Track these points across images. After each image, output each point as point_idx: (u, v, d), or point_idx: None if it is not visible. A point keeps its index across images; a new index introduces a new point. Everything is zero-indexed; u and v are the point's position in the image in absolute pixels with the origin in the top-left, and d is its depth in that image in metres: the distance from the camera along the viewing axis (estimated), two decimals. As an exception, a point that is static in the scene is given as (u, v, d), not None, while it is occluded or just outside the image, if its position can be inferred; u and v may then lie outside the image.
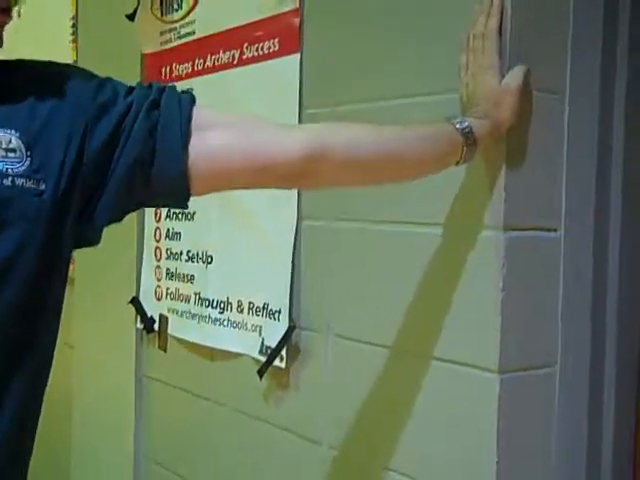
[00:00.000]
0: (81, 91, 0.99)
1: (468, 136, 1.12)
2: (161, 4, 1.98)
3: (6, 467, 0.99)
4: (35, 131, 0.95)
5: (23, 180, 0.93)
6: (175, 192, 1.02)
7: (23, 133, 0.94)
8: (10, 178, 0.92)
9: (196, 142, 1.00)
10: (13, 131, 0.94)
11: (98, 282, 2.32)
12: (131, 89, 1.03)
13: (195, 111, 1.02)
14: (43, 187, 0.94)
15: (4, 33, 0.96)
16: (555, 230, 1.24)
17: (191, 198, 1.04)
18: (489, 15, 1.18)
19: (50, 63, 1.04)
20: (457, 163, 1.14)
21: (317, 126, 1.14)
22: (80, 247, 1.05)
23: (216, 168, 1.03)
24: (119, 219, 1.04)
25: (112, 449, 2.24)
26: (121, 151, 0.98)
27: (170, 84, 1.08)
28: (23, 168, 0.93)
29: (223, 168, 1.03)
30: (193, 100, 1.05)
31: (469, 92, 1.20)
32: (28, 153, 0.94)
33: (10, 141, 0.93)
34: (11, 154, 0.93)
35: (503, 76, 1.17)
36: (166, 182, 1.01)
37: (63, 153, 0.95)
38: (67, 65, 1.07)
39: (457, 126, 1.12)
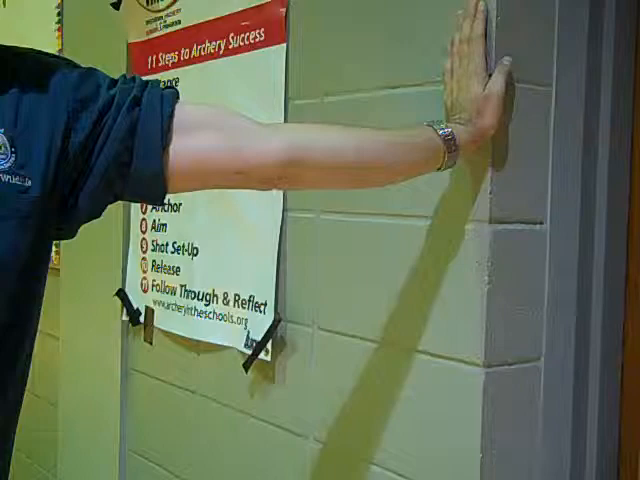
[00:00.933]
0: (63, 84, 0.98)
1: (450, 143, 1.11)
2: (147, -7, 1.97)
3: None
4: (19, 126, 0.94)
5: (9, 177, 0.92)
6: (152, 190, 1.02)
7: (7, 129, 0.93)
8: None
9: (176, 143, 1.00)
10: None
11: (84, 274, 2.31)
12: (114, 82, 1.01)
13: (177, 109, 1.01)
14: (29, 184, 0.93)
15: None
16: (541, 223, 1.23)
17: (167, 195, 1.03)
18: (474, 19, 1.17)
19: (31, 52, 1.02)
20: (439, 169, 1.14)
21: (296, 128, 1.13)
22: (57, 239, 1.04)
23: (194, 169, 1.02)
24: (97, 215, 1.03)
25: (98, 442, 2.23)
26: (100, 149, 0.97)
27: (154, 79, 1.06)
28: (8, 165, 0.92)
29: (202, 170, 1.03)
30: (176, 96, 1.03)
31: (453, 98, 1.19)
32: (13, 149, 0.93)
33: None
34: None
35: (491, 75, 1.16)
36: (143, 181, 1.00)
37: (47, 149, 0.94)
38: (49, 55, 1.05)
39: (439, 132, 1.11)
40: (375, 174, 1.13)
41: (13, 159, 0.92)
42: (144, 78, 1.05)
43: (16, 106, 0.94)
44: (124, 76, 1.04)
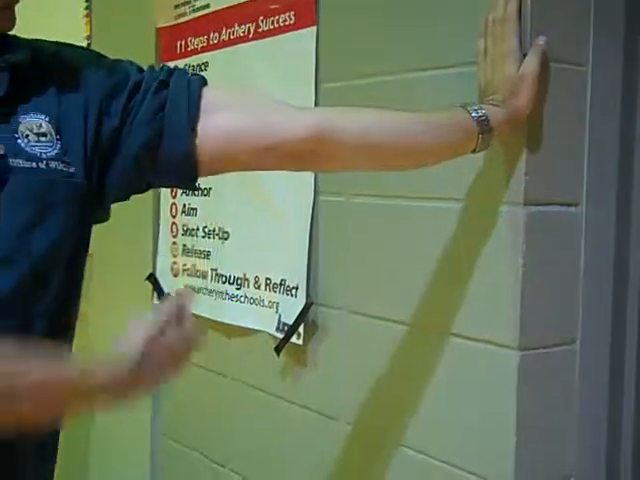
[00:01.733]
0: (95, 74, 1.00)
1: (484, 125, 1.10)
2: (175, -23, 1.96)
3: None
4: (61, 115, 0.96)
5: (56, 163, 0.94)
6: (182, 173, 1.03)
7: (52, 117, 0.96)
8: (44, 162, 0.93)
9: (204, 123, 1.01)
10: (43, 116, 0.95)
11: (115, 258, 2.32)
12: (141, 70, 1.04)
13: (205, 92, 1.02)
14: (73, 170, 0.96)
15: (16, 11, 0.96)
16: (576, 205, 1.21)
17: (199, 179, 1.04)
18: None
19: (64, 45, 1.04)
20: (473, 151, 1.12)
21: (329, 109, 1.13)
22: (94, 223, 1.05)
23: (225, 148, 1.03)
24: (125, 198, 1.06)
25: (129, 426, 2.25)
26: (129, 131, 0.99)
27: (181, 67, 1.08)
28: (55, 152, 0.95)
29: (232, 148, 1.03)
30: (203, 82, 1.05)
31: (487, 79, 1.17)
32: (58, 137, 0.95)
33: (41, 125, 0.94)
34: (43, 138, 0.94)
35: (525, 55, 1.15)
36: (173, 164, 1.01)
37: (84, 136, 0.97)
38: (79, 47, 1.09)
39: (473, 114, 1.10)
40: (407, 155, 1.13)
41: (59, 146, 0.95)
42: (172, 64, 1.07)
43: (57, 96, 0.97)
44: (152, 66, 1.06)
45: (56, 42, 1.04)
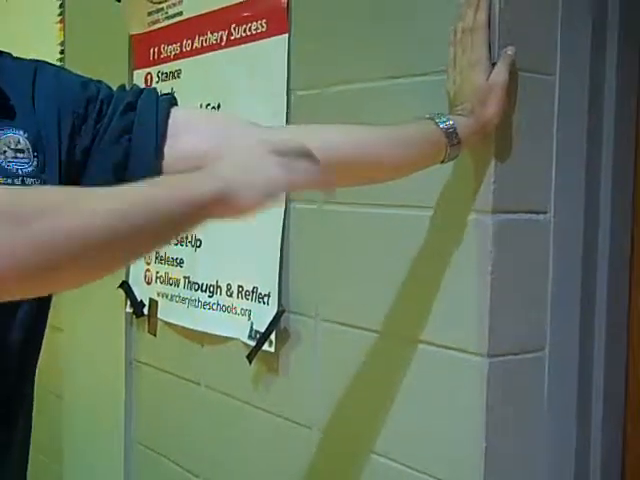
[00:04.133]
0: (69, 92, 1.00)
1: (452, 136, 1.11)
2: (148, -16, 1.96)
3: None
4: (37, 131, 0.96)
5: (32, 180, 0.93)
6: None
7: (30, 133, 0.95)
8: (20, 179, 0.92)
9: (169, 146, 1.00)
10: (21, 131, 0.94)
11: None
12: (110, 89, 1.04)
13: (173, 113, 1.02)
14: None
15: None
16: (544, 213, 1.23)
17: None
18: (477, 8, 1.16)
19: (39, 62, 1.04)
20: (442, 162, 1.13)
21: (294, 131, 1.12)
22: None
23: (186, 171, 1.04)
24: None
25: (102, 433, 2.24)
26: (96, 152, 0.99)
27: (151, 87, 1.08)
28: (31, 168, 0.94)
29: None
30: (172, 102, 1.04)
31: (456, 88, 1.18)
32: (35, 153, 0.94)
33: (19, 141, 0.94)
34: (20, 154, 0.93)
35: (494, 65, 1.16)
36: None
37: (58, 153, 0.96)
38: (53, 64, 1.09)
39: (441, 125, 1.10)
40: (374, 172, 1.13)
41: (36, 163, 0.94)
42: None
43: (34, 112, 0.96)
44: (122, 85, 1.07)
45: (32, 60, 1.04)
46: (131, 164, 0.99)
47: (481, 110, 1.14)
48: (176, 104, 1.05)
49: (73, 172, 0.98)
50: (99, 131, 0.99)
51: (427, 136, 1.11)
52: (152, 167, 1.00)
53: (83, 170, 0.99)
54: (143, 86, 1.10)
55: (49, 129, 0.96)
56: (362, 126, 1.12)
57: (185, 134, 1.02)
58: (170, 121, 1.01)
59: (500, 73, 1.14)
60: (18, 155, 0.93)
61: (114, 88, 1.06)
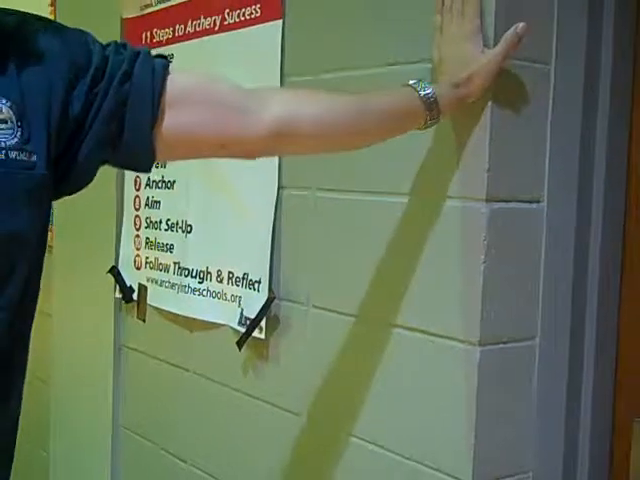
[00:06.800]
0: (57, 53, 0.94)
1: (432, 105, 1.11)
2: (141, -32, 1.95)
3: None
4: (22, 99, 0.90)
5: (16, 153, 0.88)
6: (140, 161, 1.04)
7: (13, 102, 0.89)
8: (4, 152, 0.87)
9: (165, 118, 1.00)
10: (4, 100, 0.88)
11: (77, 251, 2.30)
12: (104, 47, 0.99)
13: (168, 83, 1.00)
14: (34, 159, 0.90)
15: None
16: (538, 202, 1.22)
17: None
18: None
19: (26, 16, 0.98)
20: (420, 129, 1.14)
21: (280, 100, 1.10)
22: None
23: (182, 143, 1.04)
24: (89, 182, 1.02)
25: (90, 419, 2.23)
26: (92, 121, 0.95)
27: (145, 50, 1.04)
28: (15, 140, 0.88)
29: (189, 144, 1.05)
30: (167, 67, 1.02)
31: (443, 55, 1.17)
32: (19, 124, 0.89)
33: (1, 111, 0.88)
34: (2, 125, 0.88)
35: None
36: (133, 154, 1.01)
37: (46, 122, 0.91)
38: (41, 19, 1.00)
39: (421, 93, 1.11)
40: (357, 139, 1.16)
41: (19, 134, 0.89)
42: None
43: (18, 77, 0.90)
44: (115, 43, 1.01)
45: (18, 13, 0.97)
46: (126, 134, 0.98)
47: (466, 84, 1.13)
48: (169, 69, 1.02)
49: (62, 142, 0.94)
50: (93, 102, 0.95)
51: (405, 104, 1.12)
52: (146, 140, 0.99)
53: (79, 138, 0.95)
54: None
55: (36, 96, 0.91)
56: (346, 96, 1.14)
57: (179, 107, 1.01)
58: (166, 92, 1.00)
59: (498, 54, 1.13)
60: (0, 126, 0.87)
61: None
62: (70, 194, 1.01)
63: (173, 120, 1.00)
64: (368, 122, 1.12)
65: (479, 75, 1.13)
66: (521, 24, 1.14)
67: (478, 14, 1.15)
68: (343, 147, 1.22)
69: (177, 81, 1.02)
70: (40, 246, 0.96)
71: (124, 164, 1.05)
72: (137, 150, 1.01)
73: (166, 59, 1.04)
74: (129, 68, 0.98)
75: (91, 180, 1.02)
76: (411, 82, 1.12)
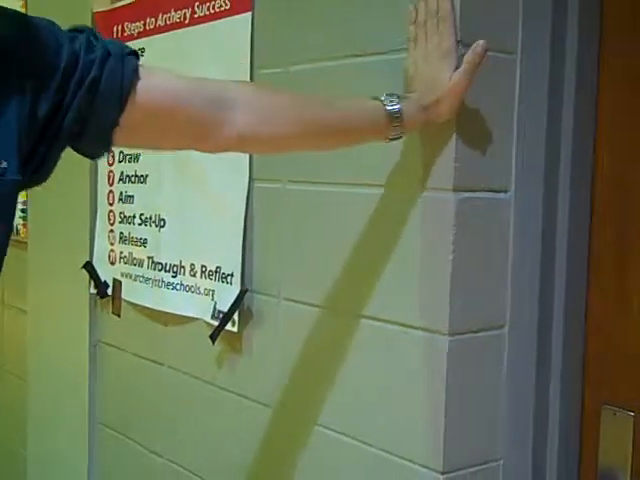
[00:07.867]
0: (25, 51, 0.91)
1: (396, 121, 1.12)
2: (111, -39, 1.94)
3: None
4: None
5: None
6: (93, 155, 1.06)
7: None
8: None
9: (127, 126, 1.00)
10: None
11: (51, 247, 2.29)
12: (74, 42, 0.95)
13: (137, 92, 0.98)
14: (5, 165, 0.87)
15: None
16: (505, 191, 1.23)
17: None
18: None
19: None
20: (385, 141, 1.15)
21: (250, 107, 1.09)
22: None
23: (140, 145, 1.07)
24: (48, 177, 1.00)
25: (67, 414, 2.23)
26: (60, 123, 0.94)
27: (117, 51, 0.99)
28: None
29: (147, 146, 1.12)
30: (137, 69, 0.99)
31: (416, 72, 1.17)
32: None
33: None
34: None
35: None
36: (87, 149, 1.03)
37: (16, 123, 0.88)
38: (6, 13, 0.94)
39: (388, 108, 1.11)
40: (316, 145, 1.21)
41: None
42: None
43: None
44: (87, 33, 0.97)
45: None
46: (86, 137, 0.97)
47: (434, 106, 1.14)
48: (138, 72, 0.99)
49: (31, 143, 0.91)
50: (61, 104, 0.93)
51: (369, 117, 1.13)
52: (106, 142, 1.01)
53: (42, 142, 0.93)
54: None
55: (4, 97, 0.87)
56: (312, 100, 1.18)
57: (142, 121, 1.01)
58: (134, 99, 0.98)
59: (463, 78, 1.13)
60: None
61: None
62: (28, 188, 1.00)
63: (133, 133, 1.02)
64: (330, 134, 1.15)
65: (447, 98, 1.13)
66: (480, 42, 1.14)
67: (453, 32, 1.14)
68: (301, 148, 1.26)
69: (144, 90, 1.00)
70: (2, 248, 0.94)
71: (76, 151, 1.03)
72: (93, 147, 1.02)
73: (137, 57, 1.01)
74: (98, 74, 0.95)
75: (50, 175, 1.00)
76: (382, 97, 1.12)
